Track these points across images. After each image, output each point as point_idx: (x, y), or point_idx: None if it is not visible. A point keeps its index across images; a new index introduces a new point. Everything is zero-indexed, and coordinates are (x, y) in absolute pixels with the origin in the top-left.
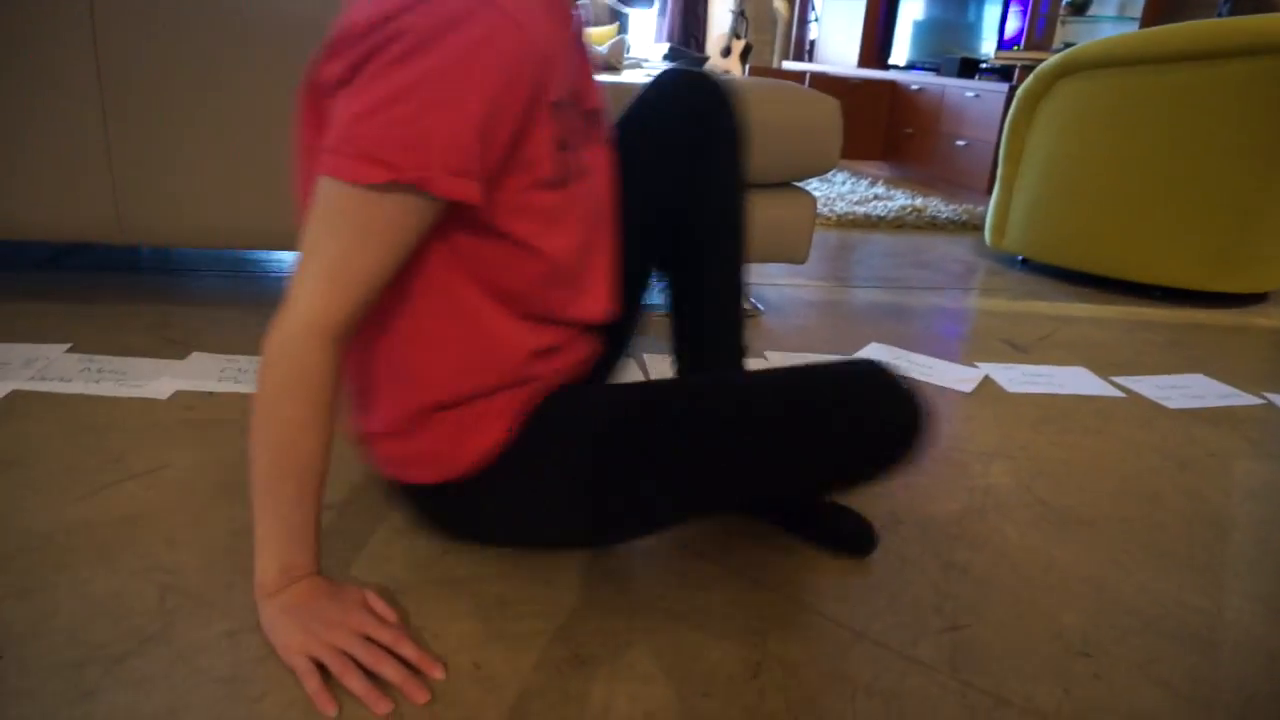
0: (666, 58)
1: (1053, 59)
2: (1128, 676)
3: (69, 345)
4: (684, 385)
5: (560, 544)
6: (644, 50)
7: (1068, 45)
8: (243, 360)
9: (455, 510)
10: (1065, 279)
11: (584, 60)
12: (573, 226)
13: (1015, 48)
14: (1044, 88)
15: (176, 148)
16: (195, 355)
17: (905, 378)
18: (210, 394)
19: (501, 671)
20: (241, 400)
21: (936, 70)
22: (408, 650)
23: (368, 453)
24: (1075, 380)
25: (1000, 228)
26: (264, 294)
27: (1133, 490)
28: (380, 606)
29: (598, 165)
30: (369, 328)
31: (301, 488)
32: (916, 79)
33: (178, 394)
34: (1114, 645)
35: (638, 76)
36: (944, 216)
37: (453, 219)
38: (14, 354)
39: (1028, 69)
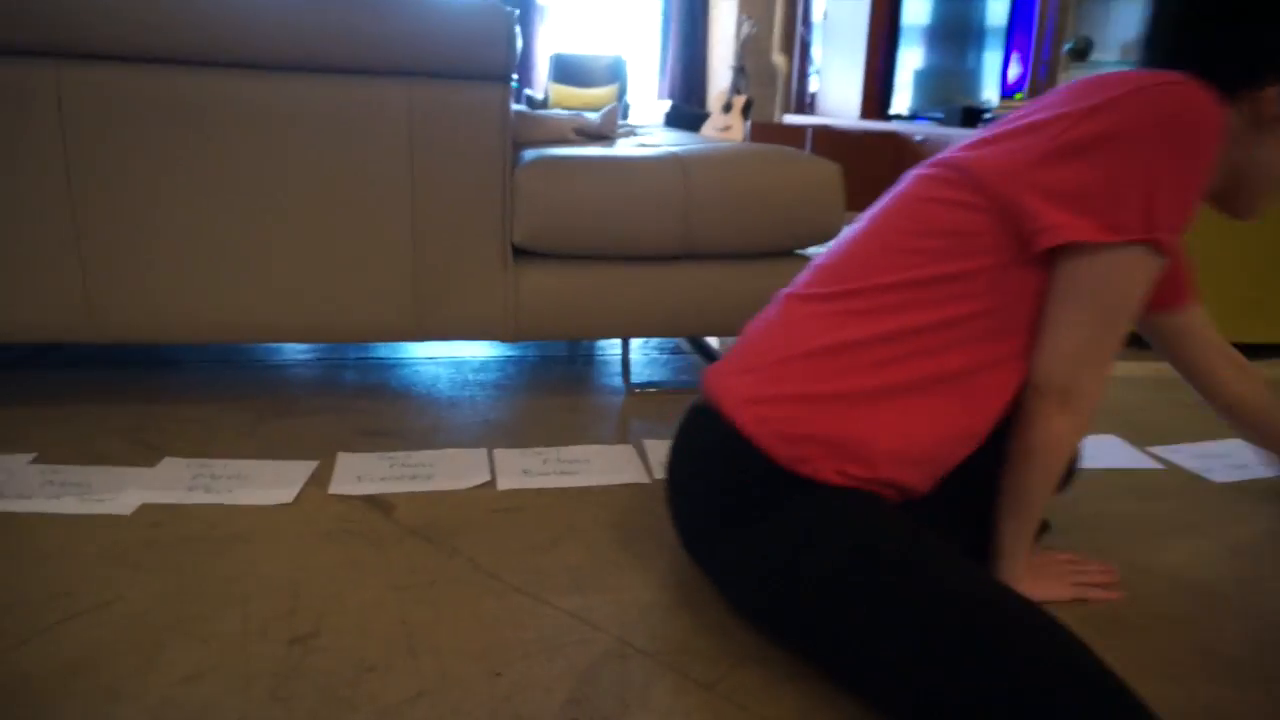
0: (668, 115)
1: None
2: None
3: (34, 455)
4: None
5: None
6: (645, 110)
7: None
8: (216, 465)
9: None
10: None
11: None
12: None
13: (1018, 95)
14: None
15: (151, 240)
16: (166, 460)
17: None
18: (177, 506)
19: None
20: (209, 512)
21: (940, 120)
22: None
23: (741, 401)
24: (1109, 452)
25: None
26: (245, 386)
27: (1183, 583)
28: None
29: None
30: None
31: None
32: (919, 129)
33: (143, 507)
34: None
35: (630, 149)
36: None
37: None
38: None
39: None
